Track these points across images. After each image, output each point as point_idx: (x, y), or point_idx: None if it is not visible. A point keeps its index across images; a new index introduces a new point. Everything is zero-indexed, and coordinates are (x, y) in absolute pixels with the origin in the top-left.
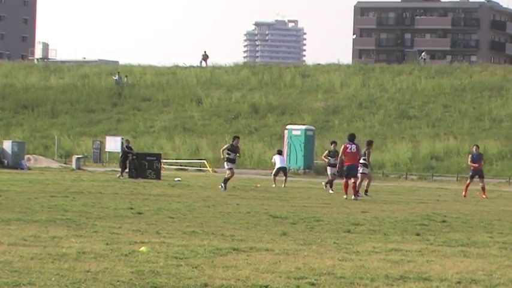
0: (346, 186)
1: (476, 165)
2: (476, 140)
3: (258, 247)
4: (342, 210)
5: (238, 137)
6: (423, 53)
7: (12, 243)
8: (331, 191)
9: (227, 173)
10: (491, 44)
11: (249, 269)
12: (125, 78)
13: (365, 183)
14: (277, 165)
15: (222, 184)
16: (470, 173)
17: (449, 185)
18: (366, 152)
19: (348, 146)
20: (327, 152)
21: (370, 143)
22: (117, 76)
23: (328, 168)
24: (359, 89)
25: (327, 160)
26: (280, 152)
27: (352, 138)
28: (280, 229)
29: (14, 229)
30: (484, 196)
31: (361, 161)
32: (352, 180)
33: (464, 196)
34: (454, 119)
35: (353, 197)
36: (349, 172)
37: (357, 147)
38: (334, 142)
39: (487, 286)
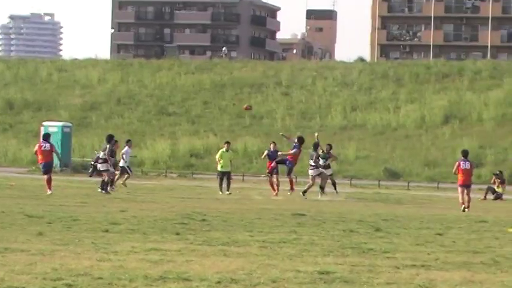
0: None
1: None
2: (236, 137)
3: (12, 248)
4: (100, 209)
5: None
6: (224, 48)
7: None
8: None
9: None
10: (252, 39)
11: (3, 270)
12: None
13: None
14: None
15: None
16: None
17: (209, 183)
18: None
19: (42, 144)
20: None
21: (110, 139)
22: None
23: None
24: (117, 85)
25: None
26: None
27: (46, 138)
28: (36, 229)
29: None
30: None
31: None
32: (45, 176)
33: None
34: (214, 116)
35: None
36: (47, 168)
37: (51, 146)
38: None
39: (247, 285)
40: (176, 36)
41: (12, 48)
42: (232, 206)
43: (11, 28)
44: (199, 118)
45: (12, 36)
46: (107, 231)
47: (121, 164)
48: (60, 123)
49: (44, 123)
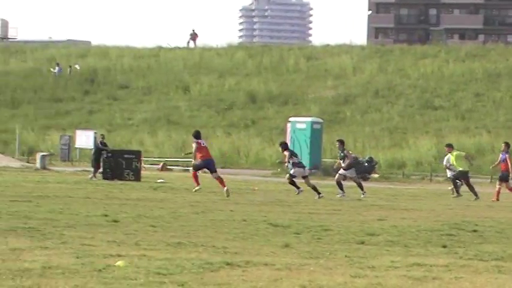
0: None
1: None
2: None
3: (255, 261)
4: (355, 218)
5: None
6: None
7: None
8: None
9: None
10: None
11: (244, 286)
12: (69, 69)
13: None
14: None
15: None
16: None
17: (482, 188)
18: None
19: (200, 141)
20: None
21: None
22: (57, 68)
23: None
24: (375, 75)
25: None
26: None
27: (198, 135)
28: (282, 240)
29: None
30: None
31: None
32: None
33: (497, 200)
34: (488, 110)
35: None
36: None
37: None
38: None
39: None
40: (443, 18)
41: (255, 34)
42: (508, 215)
43: (253, 10)
44: (470, 113)
45: (255, 19)
46: (362, 243)
47: (449, 174)
48: (310, 119)
49: (290, 119)
